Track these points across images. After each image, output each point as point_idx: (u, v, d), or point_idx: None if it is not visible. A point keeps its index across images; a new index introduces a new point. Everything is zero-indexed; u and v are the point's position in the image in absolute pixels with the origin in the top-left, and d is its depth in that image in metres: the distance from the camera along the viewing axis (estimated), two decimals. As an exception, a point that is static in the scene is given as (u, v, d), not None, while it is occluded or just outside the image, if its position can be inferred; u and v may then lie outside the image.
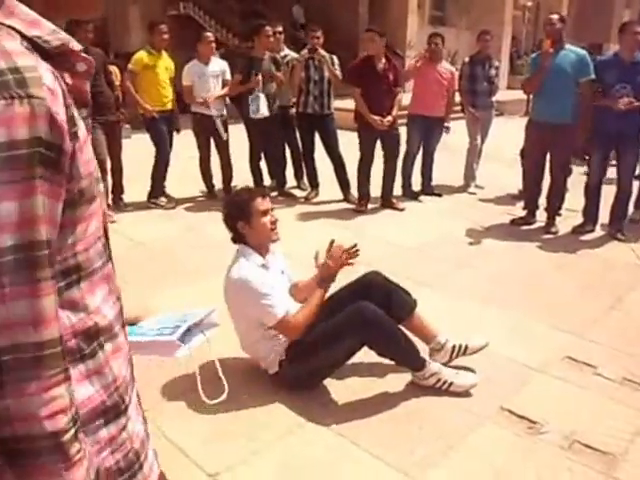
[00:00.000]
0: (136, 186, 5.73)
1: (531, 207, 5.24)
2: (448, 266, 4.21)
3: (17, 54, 0.63)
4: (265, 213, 2.61)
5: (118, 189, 5.58)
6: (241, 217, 2.58)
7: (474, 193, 6.30)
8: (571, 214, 5.25)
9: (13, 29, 0.67)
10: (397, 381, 2.70)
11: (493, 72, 6.26)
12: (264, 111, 5.40)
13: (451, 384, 2.64)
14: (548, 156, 4.97)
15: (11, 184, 0.60)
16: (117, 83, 6.12)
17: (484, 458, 2.24)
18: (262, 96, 5.38)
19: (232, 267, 2.60)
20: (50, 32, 0.70)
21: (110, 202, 5.46)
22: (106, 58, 5.18)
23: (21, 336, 0.62)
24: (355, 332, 2.54)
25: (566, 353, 3.01)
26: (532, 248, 4.64)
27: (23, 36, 0.67)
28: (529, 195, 5.33)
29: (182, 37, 7.08)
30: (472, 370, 2.78)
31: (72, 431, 0.66)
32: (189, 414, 2.45)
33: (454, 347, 2.80)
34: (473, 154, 6.42)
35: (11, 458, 0.63)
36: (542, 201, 5.20)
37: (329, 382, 2.67)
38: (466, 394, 2.63)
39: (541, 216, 5.18)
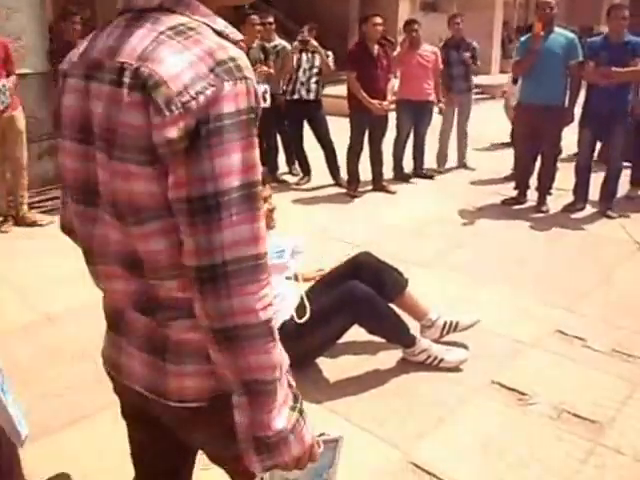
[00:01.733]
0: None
1: (522, 187, 5.25)
2: (441, 246, 4.21)
3: (229, 46, 0.84)
4: (265, 200, 2.60)
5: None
6: None
7: (439, 172, 6.29)
8: (562, 193, 5.25)
9: (205, 24, 0.86)
10: (388, 358, 2.72)
11: (467, 55, 6.21)
12: (262, 103, 5.36)
13: (441, 360, 2.65)
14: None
15: (239, 141, 0.81)
16: None
17: (474, 429, 2.25)
18: (265, 87, 5.34)
19: None
20: (225, 25, 0.90)
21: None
22: None
23: (245, 250, 0.81)
24: (346, 311, 2.55)
25: (556, 327, 3.02)
26: (524, 227, 4.65)
27: (213, 30, 0.86)
28: (520, 175, 5.35)
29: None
30: (464, 346, 2.79)
31: (273, 320, 0.86)
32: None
33: (445, 324, 2.81)
34: (445, 137, 6.42)
35: (231, 342, 0.83)
36: (533, 181, 5.21)
37: (321, 361, 2.68)
38: (456, 369, 2.64)
39: (532, 196, 5.19)
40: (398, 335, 2.64)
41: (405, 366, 2.65)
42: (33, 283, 3.57)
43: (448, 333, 2.82)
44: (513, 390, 2.50)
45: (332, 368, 2.65)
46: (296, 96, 5.73)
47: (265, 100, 5.34)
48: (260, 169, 0.86)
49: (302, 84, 5.70)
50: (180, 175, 0.80)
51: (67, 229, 1.07)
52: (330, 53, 5.77)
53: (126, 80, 0.82)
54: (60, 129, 0.97)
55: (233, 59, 0.82)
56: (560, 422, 2.29)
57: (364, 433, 2.23)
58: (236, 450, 0.91)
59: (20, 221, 4.61)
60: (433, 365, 2.64)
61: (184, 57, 0.80)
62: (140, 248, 0.88)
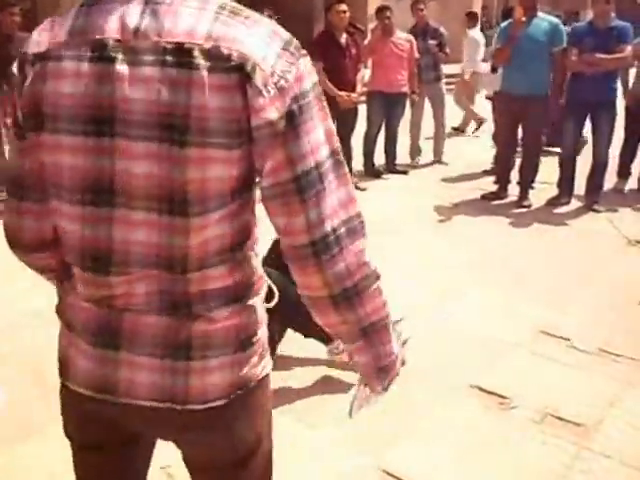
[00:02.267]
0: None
1: (503, 181, 5.29)
2: (414, 243, 4.20)
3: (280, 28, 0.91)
4: None
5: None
6: None
7: (412, 166, 6.36)
8: (545, 187, 5.32)
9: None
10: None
11: (433, 42, 6.23)
12: None
13: None
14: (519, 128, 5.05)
15: (321, 111, 0.90)
16: None
17: (451, 435, 2.23)
18: None
19: None
20: None
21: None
22: None
23: (347, 212, 0.92)
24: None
25: (540, 327, 3.03)
26: (504, 223, 4.68)
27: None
28: (500, 168, 5.39)
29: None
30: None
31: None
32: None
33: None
34: (416, 129, 6.47)
35: (350, 299, 0.93)
36: (514, 175, 5.26)
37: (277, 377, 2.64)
38: (433, 371, 2.62)
39: (513, 190, 5.23)
40: (314, 327, 2.55)
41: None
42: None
43: None
44: (493, 394, 2.48)
45: (298, 374, 2.62)
46: None
47: None
48: None
49: None
50: (280, 157, 0.86)
51: (38, 245, 1.02)
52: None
53: (199, 62, 0.83)
54: (43, 122, 0.89)
55: (292, 37, 0.90)
56: (544, 426, 2.28)
57: (332, 438, 2.19)
58: (244, 452, 1.01)
59: None
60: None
61: (259, 38, 0.86)
62: (193, 240, 0.89)
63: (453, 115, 7.46)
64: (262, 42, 0.86)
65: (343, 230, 0.91)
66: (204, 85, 0.82)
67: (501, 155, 5.40)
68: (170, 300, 0.92)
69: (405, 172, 6.20)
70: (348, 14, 5.33)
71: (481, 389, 2.52)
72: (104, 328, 0.96)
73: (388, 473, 2.03)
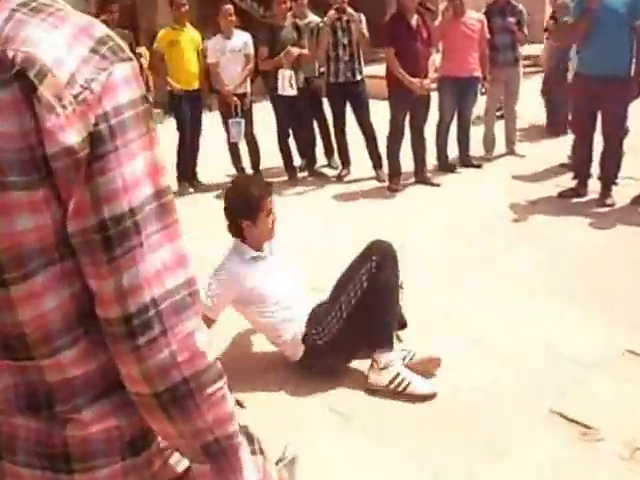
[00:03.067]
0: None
1: (582, 176, 5.00)
2: (490, 249, 4.10)
3: (97, 21, 0.73)
4: (270, 212, 2.64)
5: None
6: (248, 216, 2.58)
7: (486, 159, 6.12)
8: (630, 183, 5.03)
9: None
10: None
11: (513, 20, 5.90)
12: (289, 90, 5.38)
13: (408, 384, 2.53)
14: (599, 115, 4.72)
15: (143, 137, 0.71)
16: (146, 65, 6.21)
17: (533, 469, 2.17)
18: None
19: (222, 263, 2.68)
20: None
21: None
22: (132, 39, 5.26)
23: (174, 278, 0.71)
24: (368, 262, 2.59)
25: (626, 347, 2.89)
26: (584, 224, 4.48)
27: None
28: (579, 162, 5.08)
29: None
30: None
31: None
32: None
33: (396, 376, 2.55)
34: (491, 117, 6.23)
35: (181, 402, 0.73)
36: (595, 169, 4.98)
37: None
38: (508, 395, 2.56)
39: (594, 186, 4.97)
40: (387, 325, 2.61)
41: (451, 394, 2.58)
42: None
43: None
44: (576, 422, 2.40)
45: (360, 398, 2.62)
46: (341, 79, 5.57)
47: (292, 87, 5.30)
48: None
49: (345, 64, 5.53)
50: (83, 196, 0.66)
51: None
52: (362, 16, 5.56)
53: None
54: None
55: (110, 36, 0.70)
56: (633, 463, 2.18)
57: (410, 465, 2.18)
58: None
59: None
60: (398, 390, 2.53)
61: (60, 36, 0.66)
62: (24, 315, 0.70)
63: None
64: (62, 42, 0.66)
65: (167, 304, 0.70)
66: None
67: (579, 146, 5.05)
68: (28, 395, 0.76)
69: (479, 165, 6.02)
70: None
71: (563, 416, 2.44)
72: None
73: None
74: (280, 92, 5.39)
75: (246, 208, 2.58)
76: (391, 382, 2.53)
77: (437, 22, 5.79)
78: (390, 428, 2.41)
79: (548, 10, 14.27)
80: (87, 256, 0.68)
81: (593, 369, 2.75)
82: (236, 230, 2.66)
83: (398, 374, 2.53)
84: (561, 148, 5.96)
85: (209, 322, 2.46)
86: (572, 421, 2.41)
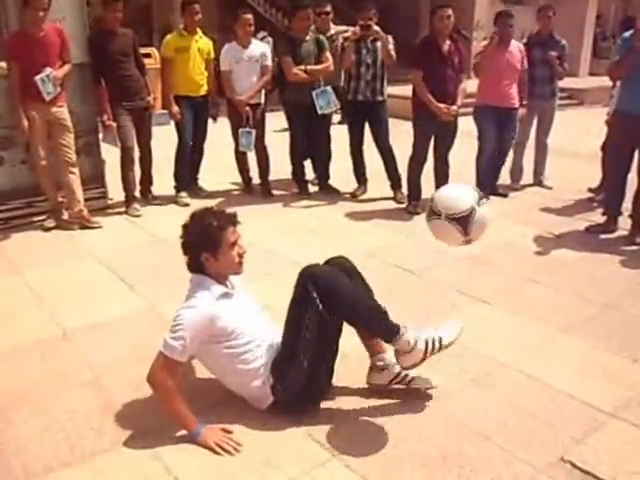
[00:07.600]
0: (167, 177, 5.70)
1: (612, 212, 4.87)
2: (509, 280, 3.94)
3: None
4: (234, 244, 2.43)
5: (146, 180, 5.54)
6: (207, 248, 2.39)
7: (513, 188, 6.00)
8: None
9: None
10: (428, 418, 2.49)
11: (554, 54, 5.78)
12: (326, 108, 5.44)
13: (412, 379, 2.61)
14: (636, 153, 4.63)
15: None
16: (157, 66, 6.20)
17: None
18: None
19: (188, 301, 2.40)
20: None
21: (138, 194, 5.43)
22: (136, 40, 5.16)
23: None
24: (310, 299, 2.36)
25: (647, 394, 2.70)
26: (611, 262, 4.28)
27: None
28: (610, 198, 4.96)
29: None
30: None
31: None
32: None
33: (399, 373, 2.60)
34: (521, 148, 6.08)
35: None
36: (626, 205, 4.82)
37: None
38: (518, 440, 2.37)
39: (624, 224, 4.80)
40: (379, 320, 2.43)
41: (448, 426, 2.41)
42: (54, 292, 3.69)
43: (397, 384, 2.63)
44: (589, 474, 2.21)
45: (362, 425, 2.45)
46: (360, 97, 5.50)
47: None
48: None
49: (367, 83, 5.46)
50: None
51: None
52: (390, 38, 5.47)
53: None
54: None
55: None
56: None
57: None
58: None
59: (73, 217, 4.82)
60: (404, 382, 2.59)
61: None
62: None
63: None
64: None
65: None
66: None
67: (611, 182, 4.96)
68: None
69: (505, 195, 5.88)
70: (453, 19, 5.05)
71: (574, 466, 2.25)
72: None
73: None
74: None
75: (204, 239, 2.38)
76: (392, 381, 2.61)
77: (481, 46, 5.67)
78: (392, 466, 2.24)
79: (586, 43, 14.15)
80: None
81: (611, 416, 2.55)
82: (195, 265, 2.46)
83: (399, 373, 2.60)
84: (591, 182, 5.78)
85: (178, 366, 2.31)
86: (585, 472, 2.22)
